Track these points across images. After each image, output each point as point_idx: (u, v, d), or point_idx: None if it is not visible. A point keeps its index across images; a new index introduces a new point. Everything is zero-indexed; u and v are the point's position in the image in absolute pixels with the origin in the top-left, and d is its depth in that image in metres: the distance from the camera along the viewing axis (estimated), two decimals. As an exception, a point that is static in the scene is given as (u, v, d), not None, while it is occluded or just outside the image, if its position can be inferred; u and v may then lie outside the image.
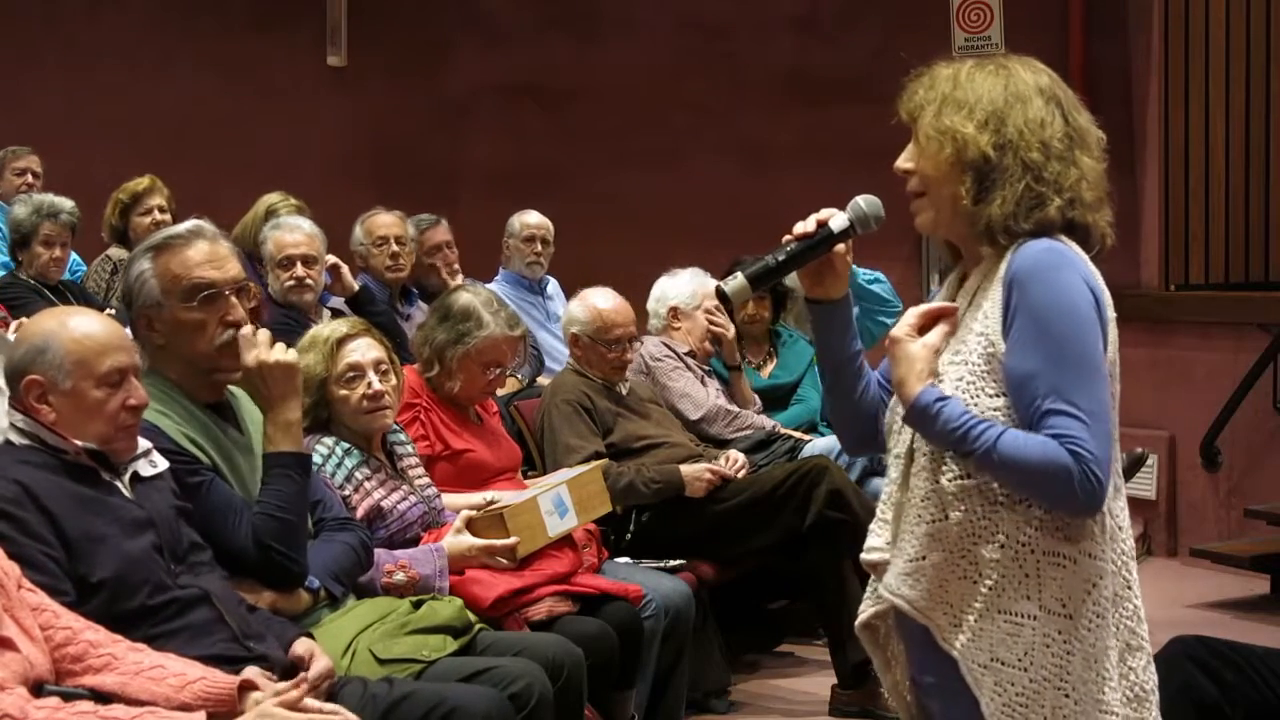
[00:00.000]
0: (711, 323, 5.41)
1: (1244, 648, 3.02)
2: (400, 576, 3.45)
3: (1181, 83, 7.00)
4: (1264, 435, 6.50)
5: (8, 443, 2.72)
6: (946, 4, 7.28)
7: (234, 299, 3.05)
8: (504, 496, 3.91)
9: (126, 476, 2.78)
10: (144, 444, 2.85)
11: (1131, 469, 5.39)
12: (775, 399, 5.69)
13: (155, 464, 2.85)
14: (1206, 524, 6.73)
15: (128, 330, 3.07)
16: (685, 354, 5.34)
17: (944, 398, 2.16)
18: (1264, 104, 6.84)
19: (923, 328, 2.24)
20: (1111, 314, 2.24)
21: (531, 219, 6.27)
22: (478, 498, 3.94)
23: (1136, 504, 6.85)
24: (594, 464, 4.16)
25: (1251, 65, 6.87)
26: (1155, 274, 7.06)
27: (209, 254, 3.05)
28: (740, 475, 4.74)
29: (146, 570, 2.66)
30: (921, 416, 2.16)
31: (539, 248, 6.21)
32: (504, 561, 3.62)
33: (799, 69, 7.88)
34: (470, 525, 3.66)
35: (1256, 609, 5.98)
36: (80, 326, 2.75)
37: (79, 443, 2.70)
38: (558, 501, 3.83)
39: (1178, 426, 6.81)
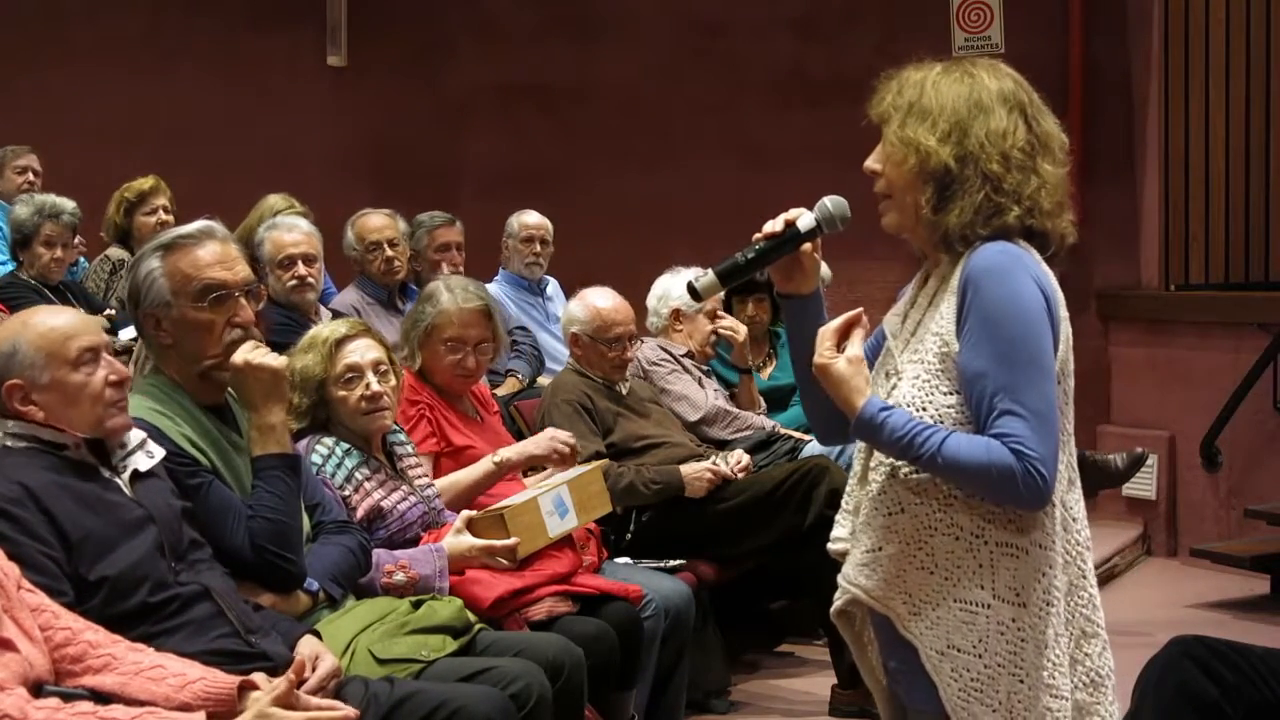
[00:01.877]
0: (721, 327, 5.39)
1: (1244, 648, 3.03)
2: (400, 577, 3.45)
3: (1181, 83, 7.00)
4: (1264, 435, 6.50)
5: (4, 448, 2.71)
6: (946, 4, 7.28)
7: (243, 300, 3.06)
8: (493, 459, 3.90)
9: (126, 475, 2.78)
10: (138, 434, 2.84)
11: (1131, 469, 5.39)
12: (775, 400, 5.69)
13: (152, 454, 2.84)
14: (1206, 524, 6.73)
15: (130, 330, 3.08)
16: (683, 355, 5.34)
17: (887, 408, 2.24)
18: (1264, 104, 6.85)
19: (840, 344, 2.32)
20: (1064, 313, 2.30)
21: (530, 219, 6.27)
22: (464, 474, 3.95)
23: (1136, 504, 6.89)
24: (594, 464, 4.16)
25: (1251, 65, 6.88)
26: (1155, 274, 7.06)
27: (220, 255, 3.05)
28: (741, 475, 4.74)
29: (147, 568, 2.67)
30: (868, 428, 2.25)
31: (538, 248, 6.21)
32: (504, 562, 3.62)
33: (799, 69, 7.88)
34: (470, 525, 3.66)
35: (1256, 609, 5.98)
36: (43, 321, 2.76)
37: (78, 434, 2.70)
38: (558, 502, 3.82)
39: (1178, 426, 6.81)
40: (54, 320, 2.77)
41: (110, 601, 2.61)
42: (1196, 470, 6.72)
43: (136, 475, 2.79)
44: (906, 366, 2.29)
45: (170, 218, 6.15)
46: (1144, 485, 6.77)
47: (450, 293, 4.19)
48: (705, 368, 5.42)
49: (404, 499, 3.67)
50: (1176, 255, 7.04)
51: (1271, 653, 3.04)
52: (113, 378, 2.75)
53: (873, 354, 2.43)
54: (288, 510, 3.02)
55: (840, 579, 2.35)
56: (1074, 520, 2.31)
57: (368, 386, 3.62)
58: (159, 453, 2.86)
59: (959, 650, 2.25)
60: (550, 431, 4.19)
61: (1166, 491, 6.89)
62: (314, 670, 2.77)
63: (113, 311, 5.69)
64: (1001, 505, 2.22)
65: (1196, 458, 6.65)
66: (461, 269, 5.97)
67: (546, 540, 3.76)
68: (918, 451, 2.19)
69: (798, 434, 5.31)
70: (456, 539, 3.60)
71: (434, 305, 4.18)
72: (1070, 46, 7.15)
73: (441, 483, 3.94)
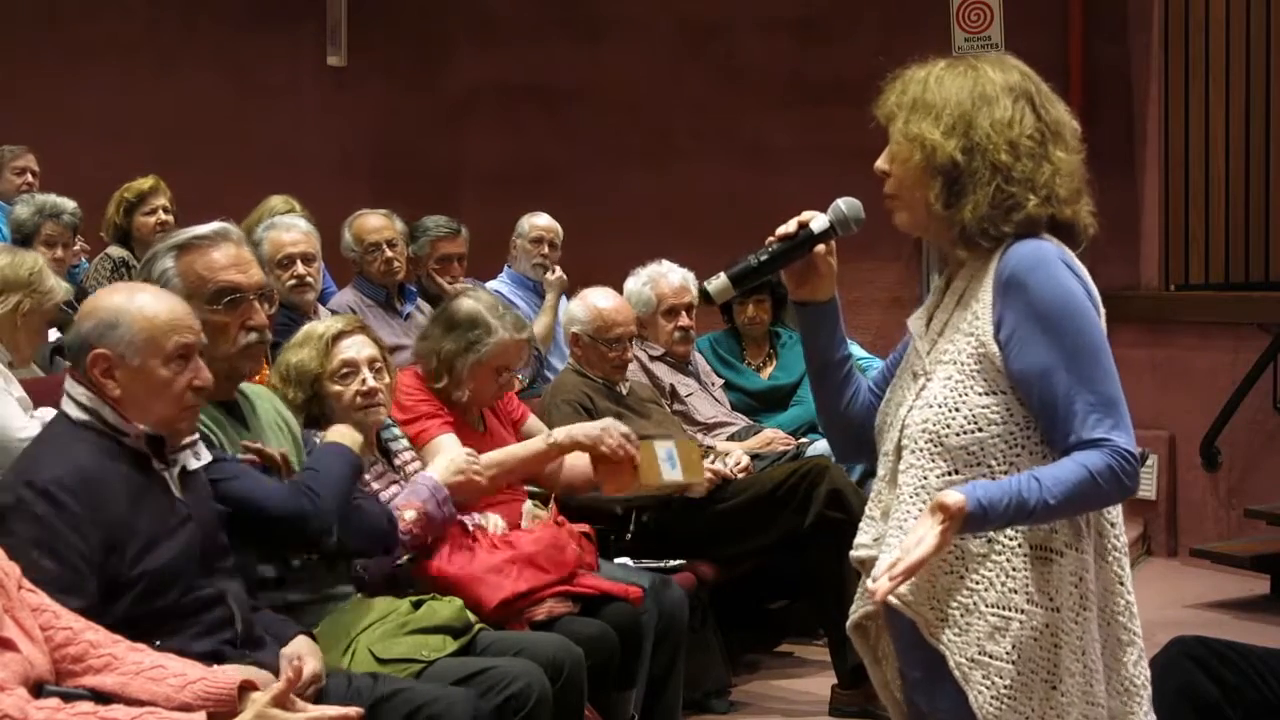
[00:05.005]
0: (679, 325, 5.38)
1: (1244, 648, 3.02)
2: (410, 514, 3.51)
3: (1181, 83, 7.00)
4: (1264, 435, 6.50)
5: (65, 416, 2.69)
6: (946, 4, 7.28)
7: (257, 304, 3.07)
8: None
9: (176, 470, 2.75)
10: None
11: (1131, 468, 5.39)
12: (775, 400, 5.69)
13: (200, 455, 2.82)
14: (1206, 524, 6.74)
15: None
16: (660, 356, 5.34)
17: (976, 498, 2.11)
18: (1264, 104, 6.85)
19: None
20: (1102, 310, 2.27)
21: (541, 221, 6.26)
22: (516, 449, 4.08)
23: (1136, 504, 6.88)
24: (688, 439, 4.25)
25: (1251, 65, 6.88)
26: (1155, 274, 7.07)
27: (235, 257, 3.06)
28: (741, 475, 4.74)
29: (181, 567, 2.66)
30: (979, 523, 2.14)
31: (546, 250, 6.20)
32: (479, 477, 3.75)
33: (799, 69, 7.88)
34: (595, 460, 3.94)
35: (1256, 609, 5.98)
36: (150, 304, 2.72)
37: (141, 426, 2.67)
38: (669, 454, 3.94)
39: (1178, 426, 6.82)
40: (160, 305, 2.72)
41: (143, 599, 2.60)
42: (1196, 470, 6.73)
43: (184, 473, 2.77)
44: (936, 367, 2.26)
45: (170, 218, 6.14)
46: (1144, 485, 6.77)
47: (500, 320, 4.09)
48: (691, 368, 5.43)
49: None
50: (1176, 255, 7.04)
51: (1272, 653, 3.04)
52: (197, 383, 2.72)
53: (900, 359, 2.40)
54: (334, 472, 3.12)
55: (869, 584, 2.29)
56: (1110, 525, 2.28)
57: (363, 382, 3.61)
58: (206, 455, 2.84)
59: (991, 657, 2.19)
60: (607, 421, 4.07)
61: (1166, 491, 6.89)
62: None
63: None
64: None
65: (1196, 458, 6.66)
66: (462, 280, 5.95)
67: (659, 482, 3.91)
68: (1030, 511, 2.12)
69: (801, 439, 5.31)
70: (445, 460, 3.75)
71: (489, 335, 4.06)
72: (1070, 46, 7.15)
73: (491, 457, 3.95)
